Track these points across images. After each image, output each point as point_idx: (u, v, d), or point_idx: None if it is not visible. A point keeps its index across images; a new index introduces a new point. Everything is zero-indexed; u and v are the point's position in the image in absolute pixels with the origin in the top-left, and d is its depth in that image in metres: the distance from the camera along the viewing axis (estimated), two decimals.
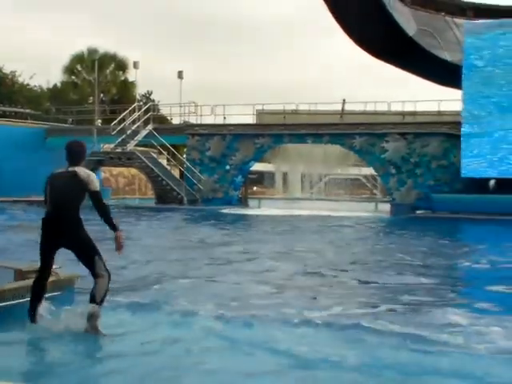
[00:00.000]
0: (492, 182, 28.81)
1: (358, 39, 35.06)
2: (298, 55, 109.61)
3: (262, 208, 33.70)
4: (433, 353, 5.45)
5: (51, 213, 5.87)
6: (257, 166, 39.99)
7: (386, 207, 32.15)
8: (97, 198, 5.90)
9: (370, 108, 35.21)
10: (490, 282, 9.53)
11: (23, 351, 5.42)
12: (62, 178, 5.91)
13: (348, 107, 35.98)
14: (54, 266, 6.31)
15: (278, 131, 33.31)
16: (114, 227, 5.92)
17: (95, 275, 5.79)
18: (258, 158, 35.93)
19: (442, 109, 33.89)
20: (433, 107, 34.27)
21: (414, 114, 34.13)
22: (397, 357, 5.25)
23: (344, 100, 35.94)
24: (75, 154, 6.06)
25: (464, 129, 29.03)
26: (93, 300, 5.72)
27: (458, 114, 30.37)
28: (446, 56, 33.94)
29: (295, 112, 36.56)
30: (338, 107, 35.91)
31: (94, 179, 5.91)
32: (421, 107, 34.14)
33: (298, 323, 6.36)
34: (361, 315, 6.86)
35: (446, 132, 30.41)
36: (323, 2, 33.38)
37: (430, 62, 34.13)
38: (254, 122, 35.70)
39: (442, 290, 8.80)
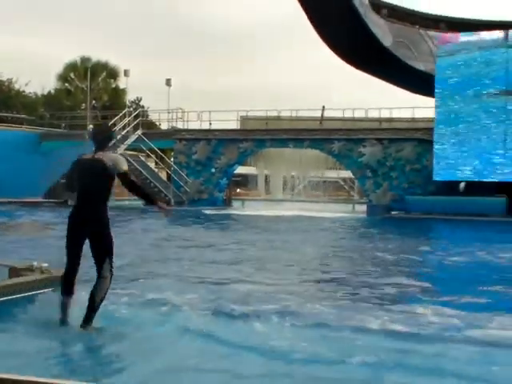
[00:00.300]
0: (462, 185, 29.12)
1: (333, 46, 35.07)
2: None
3: (245, 209, 33.70)
4: (404, 345, 5.48)
5: (79, 200, 5.55)
6: (240, 169, 40.08)
7: (363, 208, 32.29)
8: (125, 179, 5.54)
9: (348, 114, 35.38)
10: (459, 278, 9.61)
11: (14, 342, 5.38)
12: (88, 165, 5.55)
13: (327, 113, 36.14)
14: (43, 264, 6.23)
15: (261, 136, 33.36)
16: (152, 200, 5.74)
17: (99, 274, 5.59)
18: (242, 162, 36.02)
19: (416, 115, 34.21)
20: (407, 114, 34.57)
21: (390, 120, 34.31)
22: (371, 351, 5.26)
23: (323, 107, 36.10)
24: (102, 138, 5.71)
25: (436, 135, 29.27)
26: (88, 320, 5.47)
27: (430, 120, 30.60)
28: (421, 66, 34.17)
29: (277, 118, 36.66)
30: (319, 113, 36.08)
31: (120, 161, 5.53)
32: (396, 114, 34.40)
33: (277, 319, 6.36)
34: (337, 311, 6.89)
35: (419, 138, 30.61)
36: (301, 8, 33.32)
37: (406, 71, 34.33)
38: (238, 127, 35.75)
39: (413, 287, 8.85)
